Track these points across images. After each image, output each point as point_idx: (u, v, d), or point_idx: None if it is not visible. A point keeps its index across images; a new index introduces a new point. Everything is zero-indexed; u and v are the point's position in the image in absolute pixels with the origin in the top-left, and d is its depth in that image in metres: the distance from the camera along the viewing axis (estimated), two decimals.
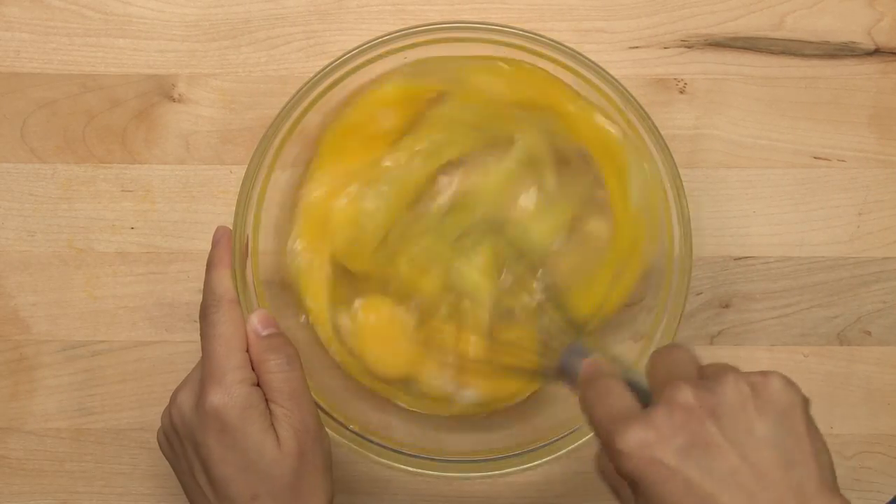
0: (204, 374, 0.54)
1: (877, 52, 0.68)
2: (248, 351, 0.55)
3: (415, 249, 0.60)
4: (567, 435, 0.58)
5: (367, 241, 0.61)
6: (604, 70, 0.59)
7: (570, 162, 0.62)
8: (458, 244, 0.60)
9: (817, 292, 0.67)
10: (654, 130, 0.58)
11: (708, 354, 0.59)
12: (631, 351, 0.59)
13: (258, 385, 0.54)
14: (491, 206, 0.61)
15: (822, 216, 0.68)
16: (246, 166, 0.58)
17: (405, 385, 0.62)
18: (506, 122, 0.61)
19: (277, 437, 0.53)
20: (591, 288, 0.61)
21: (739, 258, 0.67)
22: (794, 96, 0.68)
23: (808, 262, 0.67)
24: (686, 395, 0.44)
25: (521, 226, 0.60)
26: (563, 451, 0.58)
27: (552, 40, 0.59)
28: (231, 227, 0.58)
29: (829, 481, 0.44)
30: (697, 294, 0.67)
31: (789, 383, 0.45)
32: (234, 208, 0.58)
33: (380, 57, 0.59)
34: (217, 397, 0.53)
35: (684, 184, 0.58)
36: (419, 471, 0.58)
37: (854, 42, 0.68)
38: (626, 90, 0.59)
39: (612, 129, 0.60)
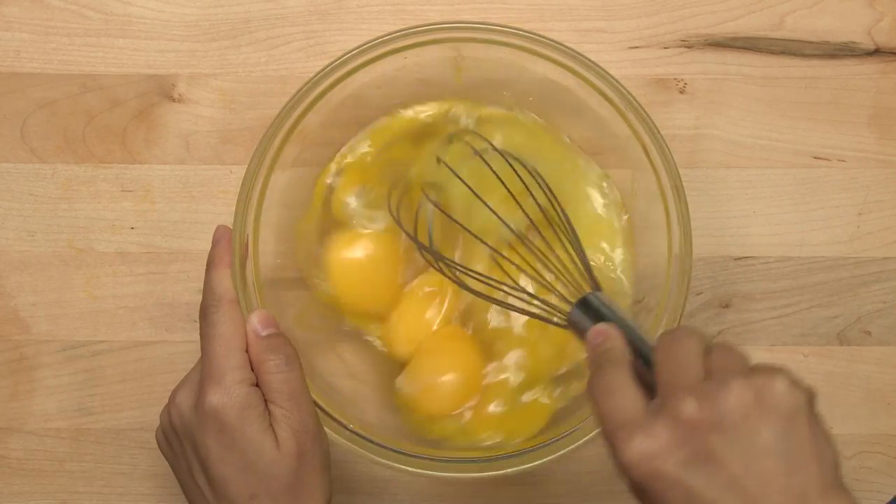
0: (203, 374, 0.54)
1: (877, 52, 0.68)
2: (247, 351, 0.55)
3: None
4: (567, 435, 0.58)
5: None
6: (604, 70, 0.59)
7: None
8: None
9: (817, 292, 0.67)
10: (654, 130, 0.58)
11: None
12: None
13: (257, 385, 0.54)
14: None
15: (822, 216, 0.67)
16: (246, 166, 0.58)
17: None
18: None
19: (276, 437, 0.53)
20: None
21: (739, 258, 0.67)
22: (794, 96, 0.68)
23: (808, 262, 0.67)
24: (689, 408, 0.44)
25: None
26: (564, 451, 0.58)
27: (552, 40, 0.59)
28: (231, 227, 0.58)
29: (833, 480, 0.44)
30: (697, 294, 0.67)
31: (794, 384, 0.44)
32: (234, 208, 0.58)
33: (380, 57, 0.59)
34: (216, 397, 0.53)
35: (684, 184, 0.58)
36: (419, 471, 0.58)
37: (854, 42, 0.68)
38: (626, 90, 0.59)
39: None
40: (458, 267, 0.59)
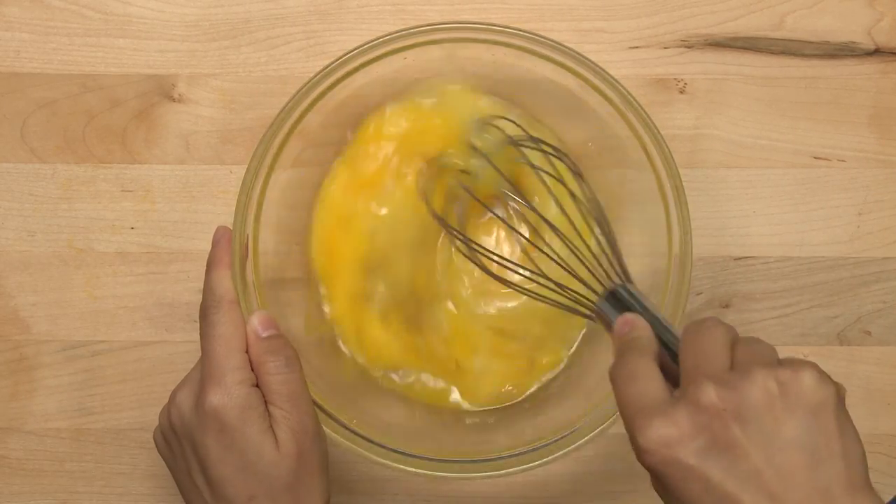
0: (203, 375, 0.54)
1: (877, 52, 0.68)
2: (247, 352, 0.55)
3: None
4: (567, 435, 0.58)
5: None
6: (604, 70, 0.59)
7: None
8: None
9: (817, 292, 0.67)
10: (654, 130, 0.58)
11: None
12: None
13: (257, 386, 0.54)
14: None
15: (822, 216, 0.67)
16: (246, 166, 0.58)
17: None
18: None
19: (276, 438, 0.53)
20: None
21: (739, 258, 0.67)
22: (794, 96, 0.68)
23: (808, 262, 0.67)
24: (710, 395, 0.43)
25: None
26: (564, 451, 0.58)
27: (552, 40, 0.59)
28: (231, 227, 0.58)
29: (859, 479, 0.43)
30: (697, 294, 0.67)
31: (822, 378, 0.43)
32: (234, 208, 0.58)
33: (380, 57, 0.59)
34: (216, 398, 0.53)
35: (684, 184, 0.58)
36: (419, 471, 0.58)
37: (854, 42, 0.68)
38: (626, 90, 0.59)
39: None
40: (488, 253, 0.59)
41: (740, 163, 0.67)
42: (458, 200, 0.63)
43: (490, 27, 0.59)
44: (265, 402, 0.54)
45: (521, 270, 0.58)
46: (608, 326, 0.52)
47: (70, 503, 0.67)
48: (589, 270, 0.54)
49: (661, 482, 0.44)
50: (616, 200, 0.62)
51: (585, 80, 0.59)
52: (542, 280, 0.56)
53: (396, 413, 0.64)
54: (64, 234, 0.67)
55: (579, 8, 0.67)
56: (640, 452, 0.44)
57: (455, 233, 0.60)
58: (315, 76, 0.59)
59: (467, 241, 0.59)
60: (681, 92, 0.67)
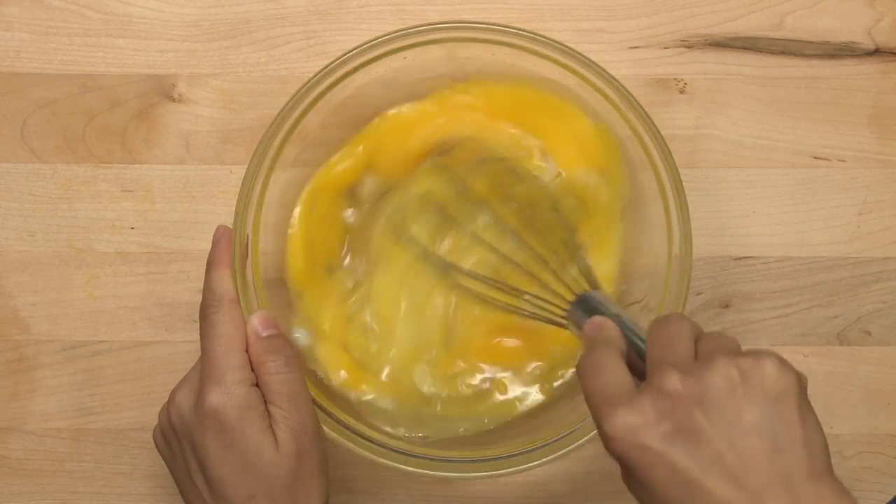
0: (203, 374, 0.54)
1: (877, 52, 0.68)
2: (247, 351, 0.55)
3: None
4: (567, 435, 0.58)
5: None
6: (604, 70, 0.59)
7: None
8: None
9: (817, 292, 0.67)
10: (654, 130, 0.58)
11: None
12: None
13: (257, 385, 0.54)
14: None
15: (822, 216, 0.67)
16: (246, 166, 0.58)
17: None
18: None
19: (275, 438, 0.53)
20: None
21: (739, 258, 0.67)
22: (794, 96, 0.68)
23: (808, 262, 0.67)
24: (673, 382, 0.44)
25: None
26: (563, 451, 0.58)
27: (552, 40, 0.59)
28: (231, 227, 0.58)
29: (820, 466, 0.44)
30: (697, 294, 0.67)
31: (782, 366, 0.44)
32: (234, 208, 0.58)
33: (380, 57, 0.59)
34: (216, 397, 0.53)
35: (684, 184, 0.58)
36: (419, 471, 0.58)
37: (854, 42, 0.68)
38: (627, 90, 0.59)
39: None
40: (464, 272, 0.60)
41: (740, 163, 0.67)
42: (420, 223, 0.63)
43: (490, 27, 0.59)
44: (265, 401, 0.54)
45: (496, 286, 0.59)
46: (579, 332, 0.52)
47: (70, 503, 0.67)
48: (558, 280, 0.55)
49: (627, 470, 0.45)
50: (616, 200, 0.62)
51: (585, 79, 0.59)
52: (514, 293, 0.57)
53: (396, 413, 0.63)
54: (64, 234, 0.67)
55: (579, 8, 0.67)
56: (606, 440, 0.44)
57: (430, 259, 0.60)
58: (315, 76, 0.59)
59: (445, 265, 0.60)
60: (681, 92, 0.67)
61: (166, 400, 0.56)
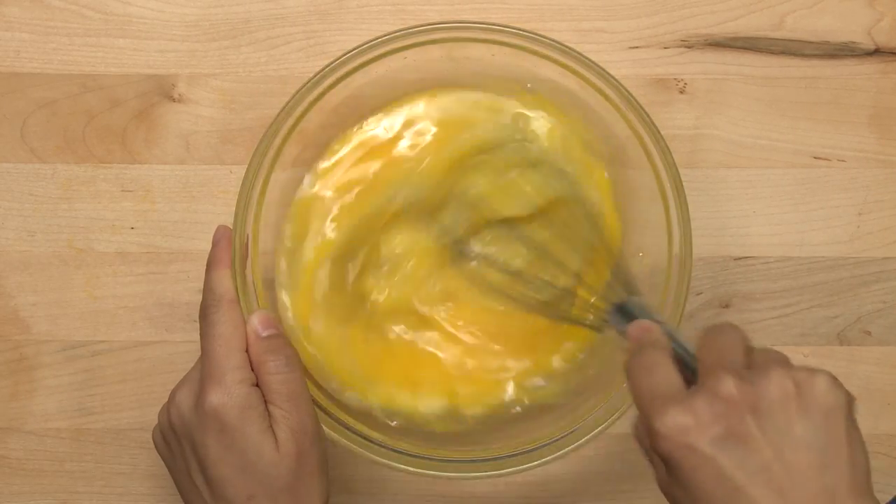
0: (203, 374, 0.54)
1: (877, 52, 0.68)
2: (247, 351, 0.55)
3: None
4: (567, 435, 0.58)
5: None
6: (604, 70, 0.59)
7: None
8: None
9: (817, 292, 0.67)
10: (654, 130, 0.58)
11: None
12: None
13: (257, 385, 0.54)
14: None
15: (822, 216, 0.67)
16: (246, 166, 0.58)
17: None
18: None
19: (276, 438, 0.53)
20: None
21: (739, 258, 0.67)
22: (794, 96, 0.68)
23: (808, 262, 0.67)
24: (729, 386, 0.44)
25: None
26: (563, 451, 0.58)
27: (552, 40, 0.59)
28: (231, 227, 0.58)
29: (862, 484, 0.44)
30: (697, 294, 0.67)
31: (835, 384, 0.45)
32: (234, 208, 0.58)
33: (380, 57, 0.59)
34: (216, 397, 0.53)
35: (684, 184, 0.58)
36: (419, 471, 0.58)
37: (854, 42, 0.68)
38: (627, 90, 0.59)
39: None
40: (498, 264, 0.60)
41: (740, 163, 0.67)
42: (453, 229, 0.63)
43: (490, 27, 0.59)
44: (265, 401, 0.54)
45: (529, 284, 0.59)
46: (620, 334, 0.53)
47: (70, 503, 0.67)
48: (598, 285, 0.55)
49: (672, 469, 0.45)
50: (616, 200, 0.62)
51: (585, 79, 0.59)
52: (550, 295, 0.57)
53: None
54: (64, 234, 0.67)
55: (579, 8, 0.67)
56: (656, 438, 0.44)
57: (462, 254, 0.60)
58: (315, 76, 0.59)
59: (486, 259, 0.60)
60: (681, 92, 0.67)
61: (166, 400, 0.56)
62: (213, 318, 0.55)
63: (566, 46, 0.59)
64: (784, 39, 0.68)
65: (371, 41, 0.59)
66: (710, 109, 0.67)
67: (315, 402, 0.57)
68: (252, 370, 0.54)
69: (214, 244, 0.57)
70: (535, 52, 0.59)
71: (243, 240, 0.58)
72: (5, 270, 0.67)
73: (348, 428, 0.58)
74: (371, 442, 0.58)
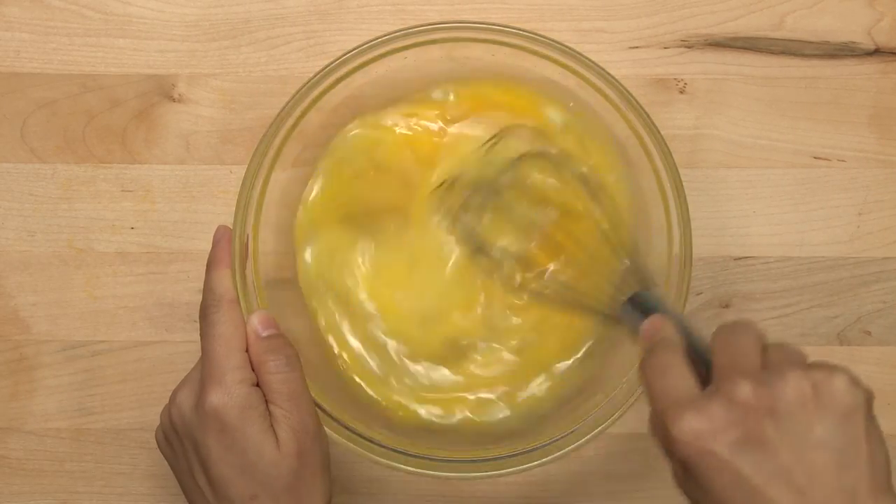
0: (204, 374, 0.54)
1: (877, 52, 0.68)
2: (247, 351, 0.55)
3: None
4: (567, 435, 0.58)
5: None
6: (604, 70, 0.59)
7: None
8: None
9: (817, 292, 0.67)
10: (654, 130, 0.58)
11: None
12: (631, 351, 0.59)
13: (258, 385, 0.54)
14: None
15: (822, 216, 0.68)
16: (246, 166, 0.58)
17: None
18: None
19: (277, 437, 0.53)
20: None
21: (739, 258, 0.67)
22: (794, 96, 0.68)
23: (808, 262, 0.67)
24: (745, 391, 0.44)
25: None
26: (564, 451, 0.58)
27: (552, 40, 0.59)
28: (231, 227, 0.58)
29: (883, 483, 0.44)
30: (697, 294, 0.67)
31: (853, 383, 0.44)
32: (234, 208, 0.58)
33: (380, 57, 0.59)
34: (217, 397, 0.53)
35: (684, 184, 0.58)
36: (419, 471, 0.58)
37: (854, 42, 0.68)
38: (627, 90, 0.59)
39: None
40: (511, 255, 0.60)
41: (740, 163, 0.67)
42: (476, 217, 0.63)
43: (490, 27, 0.59)
44: (266, 401, 0.54)
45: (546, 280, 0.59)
46: (634, 329, 0.52)
47: (70, 503, 0.67)
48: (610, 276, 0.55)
49: (690, 474, 0.45)
50: (616, 200, 0.62)
51: (585, 79, 0.59)
52: (563, 287, 0.57)
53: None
54: (64, 234, 0.67)
55: (579, 8, 0.67)
56: (672, 443, 0.44)
57: (478, 250, 0.60)
58: (315, 76, 0.59)
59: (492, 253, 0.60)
60: (681, 92, 0.67)
61: (166, 400, 0.56)
62: (213, 318, 0.55)
63: (566, 46, 0.59)
64: (784, 39, 0.68)
65: (371, 41, 0.59)
66: (710, 109, 0.67)
67: (316, 402, 0.57)
68: (252, 370, 0.54)
69: (214, 244, 0.57)
70: (535, 52, 0.59)
71: (243, 240, 0.58)
72: (5, 270, 0.67)
73: (348, 428, 0.58)
74: (371, 442, 0.58)
